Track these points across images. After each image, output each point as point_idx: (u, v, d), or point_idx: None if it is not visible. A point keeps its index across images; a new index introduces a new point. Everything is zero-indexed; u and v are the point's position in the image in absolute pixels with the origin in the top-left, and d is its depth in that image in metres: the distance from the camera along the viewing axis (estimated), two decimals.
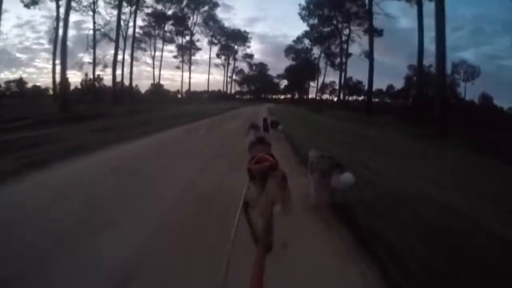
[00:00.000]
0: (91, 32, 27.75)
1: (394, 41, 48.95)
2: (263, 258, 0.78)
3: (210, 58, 50.97)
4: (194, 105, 27.83)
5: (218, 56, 53.50)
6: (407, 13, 29.45)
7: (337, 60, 41.26)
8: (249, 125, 5.23)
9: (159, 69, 41.14)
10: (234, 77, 62.99)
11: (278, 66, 58.69)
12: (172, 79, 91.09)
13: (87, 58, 28.27)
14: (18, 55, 55.31)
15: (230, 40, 51.94)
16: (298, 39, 48.44)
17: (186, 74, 45.47)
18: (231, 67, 56.29)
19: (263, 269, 0.73)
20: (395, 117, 19.40)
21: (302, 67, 49.67)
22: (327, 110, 27.80)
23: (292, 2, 61.82)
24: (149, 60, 38.38)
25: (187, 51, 45.05)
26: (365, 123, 15.95)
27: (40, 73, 63.51)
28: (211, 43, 50.27)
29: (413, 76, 32.69)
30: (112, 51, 26.91)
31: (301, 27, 45.54)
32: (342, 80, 40.11)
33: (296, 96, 63.15)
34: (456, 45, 58.11)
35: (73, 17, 33.01)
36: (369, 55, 25.68)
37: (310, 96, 54.75)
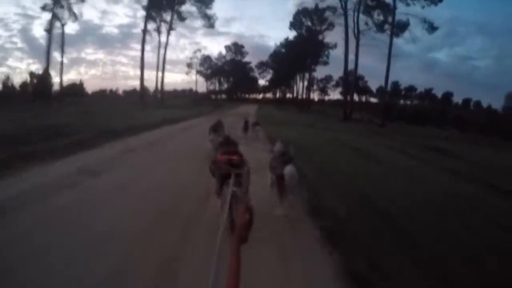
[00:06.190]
0: None
1: None
2: (238, 249, 0.85)
3: None
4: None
5: (146, 20, 26.97)
6: None
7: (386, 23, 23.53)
8: (210, 126, 5.06)
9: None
10: (198, 67, 44.41)
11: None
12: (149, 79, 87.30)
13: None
14: None
15: None
16: None
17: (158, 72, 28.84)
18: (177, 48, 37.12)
19: (239, 261, 0.78)
20: None
21: (305, 42, 30.67)
22: None
23: (268, 2, 58.97)
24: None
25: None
26: None
27: None
28: None
29: None
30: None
31: (278, 28, 34.82)
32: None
33: (288, 94, 49.94)
34: (430, 45, 59.64)
35: None
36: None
37: (307, 95, 41.48)
